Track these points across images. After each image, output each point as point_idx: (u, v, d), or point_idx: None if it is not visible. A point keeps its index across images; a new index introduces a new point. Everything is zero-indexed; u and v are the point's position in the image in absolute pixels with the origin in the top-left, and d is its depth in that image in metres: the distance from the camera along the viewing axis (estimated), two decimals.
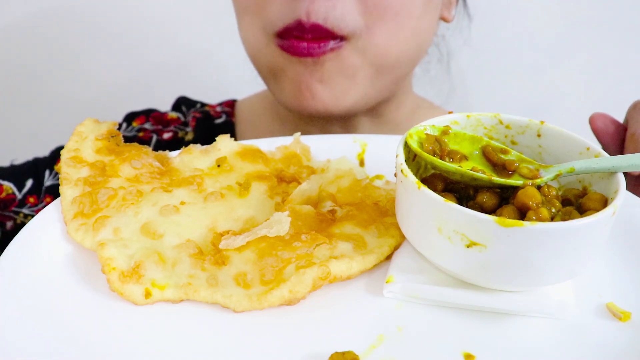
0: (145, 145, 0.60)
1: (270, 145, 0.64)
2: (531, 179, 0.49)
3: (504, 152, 0.52)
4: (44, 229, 0.52)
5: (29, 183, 0.88)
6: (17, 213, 0.85)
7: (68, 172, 0.55)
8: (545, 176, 0.50)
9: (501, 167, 0.51)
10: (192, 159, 0.60)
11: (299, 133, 0.65)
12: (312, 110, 0.76)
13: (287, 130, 0.92)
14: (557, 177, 0.50)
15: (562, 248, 0.42)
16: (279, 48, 0.73)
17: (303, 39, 0.71)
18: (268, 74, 0.79)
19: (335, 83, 0.74)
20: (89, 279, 0.49)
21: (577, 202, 0.49)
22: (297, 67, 0.74)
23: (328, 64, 0.73)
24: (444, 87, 1.04)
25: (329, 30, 0.70)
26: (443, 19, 0.85)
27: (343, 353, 0.42)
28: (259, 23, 0.75)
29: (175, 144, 0.95)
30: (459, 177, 0.49)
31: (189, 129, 0.96)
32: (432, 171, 0.52)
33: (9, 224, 0.86)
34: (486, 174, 0.49)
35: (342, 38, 0.71)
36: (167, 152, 0.62)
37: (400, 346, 0.44)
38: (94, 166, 0.56)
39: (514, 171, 0.50)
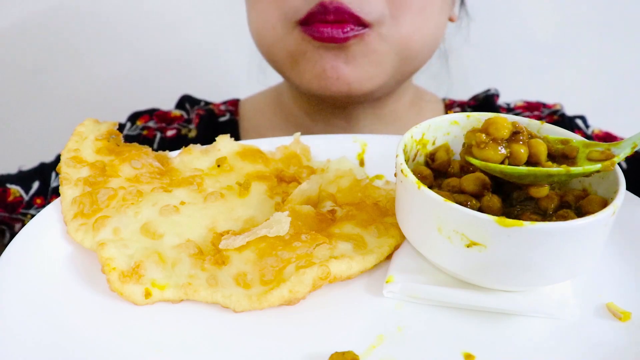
0: (145, 146, 0.60)
1: (270, 145, 0.64)
2: (607, 159, 0.46)
3: (564, 142, 0.50)
4: (44, 229, 0.52)
5: (36, 185, 0.88)
6: (25, 215, 0.86)
7: (68, 172, 0.55)
8: (622, 152, 0.47)
9: (560, 157, 0.48)
10: (192, 159, 0.60)
11: (299, 133, 0.65)
12: (336, 90, 0.76)
13: (290, 127, 0.92)
14: (633, 149, 0.47)
15: (562, 248, 0.42)
16: (302, 34, 0.73)
17: (327, 23, 0.71)
18: (287, 61, 0.78)
19: (361, 65, 0.75)
20: (89, 279, 0.49)
21: (576, 204, 0.49)
22: (321, 51, 0.74)
23: (353, 47, 0.73)
24: (443, 85, 1.04)
25: (352, 13, 0.70)
26: (450, 18, 0.86)
27: (343, 353, 0.42)
28: (277, 11, 0.75)
29: (179, 141, 0.95)
30: (533, 178, 0.46)
31: (192, 127, 0.96)
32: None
33: (17, 226, 0.86)
34: (562, 167, 0.46)
35: (365, 25, 0.72)
36: (167, 152, 0.62)
37: (400, 346, 0.44)
38: (94, 166, 0.56)
39: (574, 158, 0.48)
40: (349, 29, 0.71)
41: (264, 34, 0.78)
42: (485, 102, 1.00)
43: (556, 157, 0.49)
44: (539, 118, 0.98)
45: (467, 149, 0.50)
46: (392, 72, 0.78)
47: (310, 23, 0.72)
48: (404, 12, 0.73)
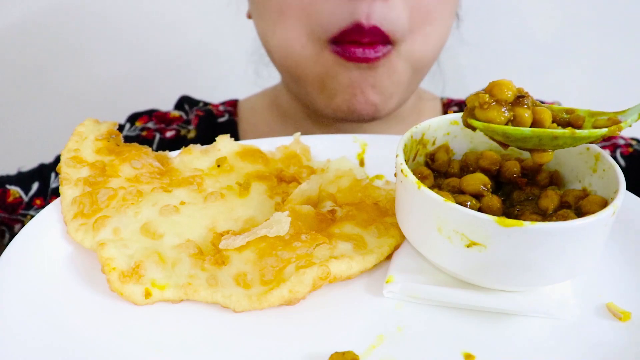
0: (145, 146, 0.60)
1: (270, 145, 0.64)
2: (613, 124, 0.45)
3: (569, 112, 0.48)
4: (44, 229, 0.52)
5: (35, 186, 0.88)
6: (25, 216, 0.86)
7: (68, 172, 0.55)
8: (628, 119, 0.45)
9: (566, 126, 0.47)
10: (192, 159, 0.60)
11: (299, 133, 0.65)
12: (364, 114, 0.76)
13: (289, 129, 0.92)
14: None
15: (562, 248, 0.42)
16: (333, 54, 0.72)
17: (359, 44, 0.70)
18: (316, 82, 0.76)
19: (385, 87, 0.75)
20: (89, 279, 0.49)
21: (576, 204, 0.49)
22: (353, 72, 0.72)
23: (380, 70, 0.73)
24: (438, 84, 1.04)
25: (384, 33, 0.69)
26: None
27: (343, 353, 0.42)
28: (305, 28, 0.72)
29: (178, 142, 0.95)
30: (537, 140, 0.44)
31: (191, 127, 0.96)
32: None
33: (17, 227, 0.86)
34: (567, 129, 0.44)
35: (391, 43, 0.72)
36: (167, 152, 0.62)
37: (400, 346, 0.44)
38: (94, 166, 0.56)
39: (579, 127, 0.46)
40: (379, 47, 0.70)
41: (292, 52, 0.75)
42: None
43: (562, 125, 0.47)
44: None
45: (470, 111, 0.48)
46: (407, 87, 0.78)
47: (341, 42, 0.70)
48: (420, 25, 0.72)
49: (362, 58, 0.70)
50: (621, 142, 0.94)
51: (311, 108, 0.84)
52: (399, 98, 0.78)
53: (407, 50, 0.73)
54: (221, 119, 0.97)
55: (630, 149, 0.92)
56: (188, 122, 0.98)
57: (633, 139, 0.95)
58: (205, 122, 0.96)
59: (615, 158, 0.92)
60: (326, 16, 0.69)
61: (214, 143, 0.62)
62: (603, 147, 0.93)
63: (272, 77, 1.01)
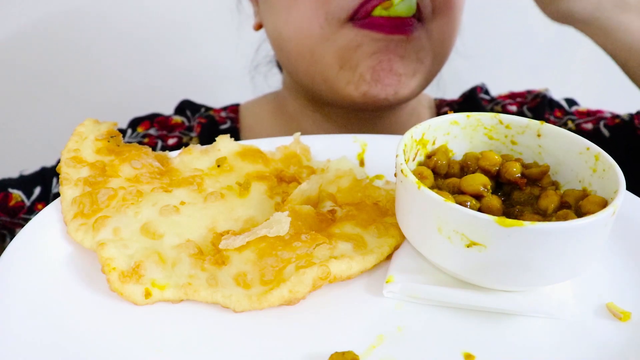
0: (145, 146, 0.60)
1: (270, 145, 0.64)
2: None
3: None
4: (44, 229, 0.52)
5: (37, 190, 0.88)
6: (26, 220, 0.86)
7: (68, 172, 0.55)
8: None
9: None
10: (192, 159, 0.60)
11: (298, 133, 0.65)
12: (387, 84, 0.74)
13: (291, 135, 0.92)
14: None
15: (562, 248, 0.42)
16: (356, 29, 0.71)
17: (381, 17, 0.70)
18: (335, 61, 0.75)
19: (411, 61, 0.74)
20: (89, 279, 0.49)
21: (576, 204, 0.49)
22: (380, 43, 0.72)
23: (410, 45, 0.72)
24: (432, 87, 1.05)
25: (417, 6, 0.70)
26: None
27: (343, 353, 0.42)
28: (321, 9, 0.72)
29: (180, 149, 0.95)
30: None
31: (193, 134, 0.97)
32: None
33: (18, 231, 0.86)
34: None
35: (419, 20, 0.72)
36: (167, 152, 0.62)
37: (400, 346, 0.44)
38: (94, 166, 0.56)
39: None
40: (414, 21, 0.70)
41: (309, 34, 0.74)
42: (470, 96, 1.01)
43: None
44: (522, 103, 0.98)
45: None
46: (428, 72, 0.77)
47: (362, 17, 0.70)
48: (443, 9, 0.73)
49: (398, 30, 0.70)
50: (607, 115, 0.93)
51: (326, 98, 0.82)
52: (420, 80, 0.76)
53: (431, 30, 0.73)
54: (223, 126, 0.97)
55: (617, 120, 0.91)
56: (190, 128, 0.98)
57: (625, 114, 0.94)
58: (208, 129, 0.96)
59: (598, 130, 0.91)
60: None
61: (214, 143, 0.62)
62: (586, 122, 0.93)
63: (270, 87, 1.02)
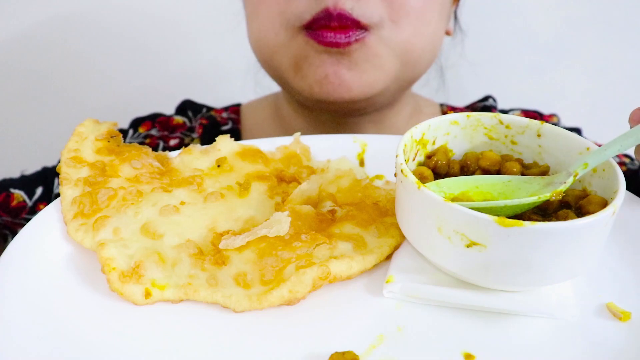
0: (145, 146, 0.60)
1: (270, 145, 0.64)
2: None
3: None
4: (44, 229, 0.52)
5: (39, 191, 0.88)
6: (28, 220, 0.86)
7: (68, 172, 0.55)
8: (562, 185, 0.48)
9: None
10: (192, 159, 0.60)
11: (298, 133, 0.65)
12: (338, 96, 0.76)
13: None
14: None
15: (562, 248, 0.42)
16: (306, 38, 0.74)
17: (330, 29, 0.72)
18: (290, 67, 0.78)
19: (363, 70, 0.75)
20: (89, 279, 0.49)
21: (576, 204, 0.49)
22: (323, 56, 0.74)
23: (355, 53, 0.74)
24: (440, 98, 1.05)
25: (354, 19, 0.71)
26: (446, 32, 0.87)
27: (343, 353, 0.42)
28: (279, 18, 0.75)
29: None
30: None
31: (195, 135, 0.97)
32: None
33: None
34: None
35: (365, 28, 0.73)
36: (167, 152, 0.62)
37: (400, 346, 0.44)
38: (94, 166, 0.56)
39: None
40: (351, 33, 0.72)
41: (267, 41, 0.78)
42: (483, 112, 1.01)
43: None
44: None
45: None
46: (393, 77, 0.78)
47: (315, 28, 0.73)
48: (403, 17, 0.74)
49: (333, 42, 0.72)
50: (615, 160, 0.94)
51: (305, 103, 0.84)
52: (383, 85, 0.78)
53: (390, 37, 0.74)
54: (225, 127, 0.98)
55: (624, 168, 0.91)
56: (192, 129, 0.98)
57: (626, 156, 0.94)
58: (210, 130, 0.96)
59: None
60: (300, 6, 0.73)
61: (214, 143, 0.62)
62: None
63: (272, 88, 1.02)
